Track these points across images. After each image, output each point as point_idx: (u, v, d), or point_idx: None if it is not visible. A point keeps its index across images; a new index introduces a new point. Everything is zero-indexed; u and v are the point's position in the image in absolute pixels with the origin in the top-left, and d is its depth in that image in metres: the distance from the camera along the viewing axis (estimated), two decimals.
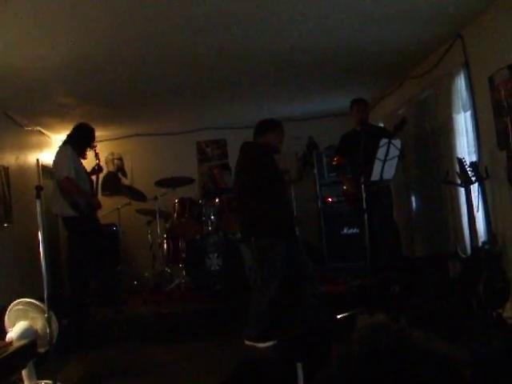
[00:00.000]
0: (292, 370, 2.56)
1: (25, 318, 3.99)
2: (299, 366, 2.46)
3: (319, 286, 5.60)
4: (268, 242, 5.12)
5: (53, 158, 6.21)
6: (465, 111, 5.61)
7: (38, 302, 3.99)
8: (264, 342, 4.97)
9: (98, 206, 6.36)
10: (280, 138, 5.39)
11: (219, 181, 8.47)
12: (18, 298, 4.11)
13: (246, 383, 3.26)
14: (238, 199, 5.55)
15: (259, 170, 5.17)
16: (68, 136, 6.33)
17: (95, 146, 6.56)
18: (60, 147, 6.34)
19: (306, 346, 3.89)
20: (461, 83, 5.60)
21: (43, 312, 3.88)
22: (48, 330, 3.82)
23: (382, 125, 8.02)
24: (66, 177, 5.93)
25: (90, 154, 6.45)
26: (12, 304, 4.07)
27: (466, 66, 5.52)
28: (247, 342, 5.06)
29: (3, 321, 4.09)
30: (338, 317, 5.31)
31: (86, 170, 6.36)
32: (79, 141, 6.26)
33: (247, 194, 5.27)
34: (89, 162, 6.51)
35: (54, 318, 3.94)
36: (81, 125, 6.38)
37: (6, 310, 4.09)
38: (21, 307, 4.01)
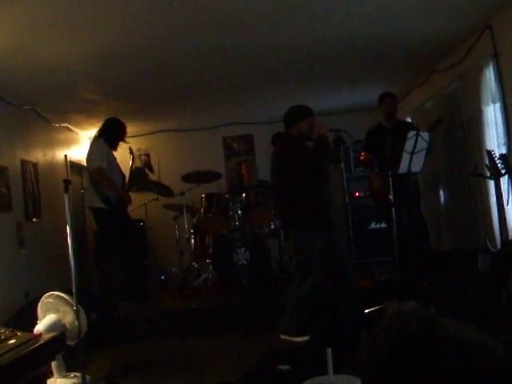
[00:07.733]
0: (321, 355, 2.54)
1: (54, 310, 4.05)
2: (329, 351, 2.45)
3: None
4: (306, 236, 5.07)
5: (81, 154, 6.31)
6: (494, 103, 5.52)
7: (66, 296, 4.04)
8: (301, 336, 4.89)
9: (129, 200, 6.43)
10: (312, 124, 5.24)
11: (246, 176, 8.47)
12: (48, 292, 4.17)
13: (274, 367, 3.27)
14: (276, 192, 5.45)
15: (295, 163, 5.04)
16: (100, 130, 6.45)
17: (127, 141, 6.71)
18: (93, 141, 6.48)
19: (336, 333, 3.88)
20: (490, 75, 5.52)
21: (72, 306, 3.92)
22: (76, 324, 3.86)
23: (409, 119, 7.95)
24: (98, 167, 6.04)
25: (122, 148, 6.60)
26: (44, 296, 4.13)
27: (495, 57, 5.43)
28: (283, 336, 4.98)
29: (33, 313, 4.16)
30: (366, 311, 5.29)
31: (118, 165, 6.45)
32: (111, 135, 6.37)
33: (285, 187, 5.19)
34: (120, 156, 6.64)
35: (82, 312, 3.98)
36: (111, 119, 6.49)
37: (36, 303, 4.16)
38: (51, 300, 4.07)
